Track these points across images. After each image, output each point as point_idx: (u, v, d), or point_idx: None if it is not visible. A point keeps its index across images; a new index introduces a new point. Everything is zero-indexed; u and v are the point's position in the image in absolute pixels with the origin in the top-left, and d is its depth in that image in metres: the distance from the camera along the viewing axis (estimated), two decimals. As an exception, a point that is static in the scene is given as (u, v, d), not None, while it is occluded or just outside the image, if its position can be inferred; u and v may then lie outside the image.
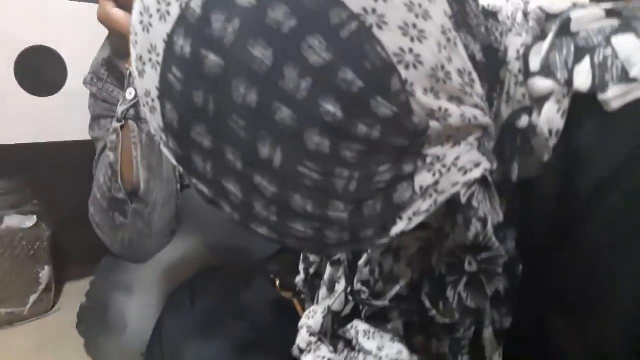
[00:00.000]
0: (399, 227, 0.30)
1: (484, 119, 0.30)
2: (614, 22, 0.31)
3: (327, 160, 0.26)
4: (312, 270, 0.55)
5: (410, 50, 0.25)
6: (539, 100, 0.31)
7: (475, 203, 0.32)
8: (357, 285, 0.45)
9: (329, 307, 0.49)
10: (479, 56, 0.30)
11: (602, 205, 0.29)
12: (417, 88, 0.26)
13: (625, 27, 0.30)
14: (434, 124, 0.27)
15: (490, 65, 0.32)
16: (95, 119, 0.88)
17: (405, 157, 0.28)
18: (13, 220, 1.07)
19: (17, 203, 1.09)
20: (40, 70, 1.18)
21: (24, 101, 1.17)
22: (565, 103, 0.30)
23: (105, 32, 0.81)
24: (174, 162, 0.30)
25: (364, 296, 0.44)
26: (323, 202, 0.28)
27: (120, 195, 0.76)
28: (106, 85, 0.86)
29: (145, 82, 0.28)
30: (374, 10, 0.24)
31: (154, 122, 0.29)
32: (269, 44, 0.24)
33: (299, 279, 0.57)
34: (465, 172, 0.30)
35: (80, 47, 1.07)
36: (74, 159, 1.05)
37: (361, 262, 0.45)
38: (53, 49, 1.17)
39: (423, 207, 0.30)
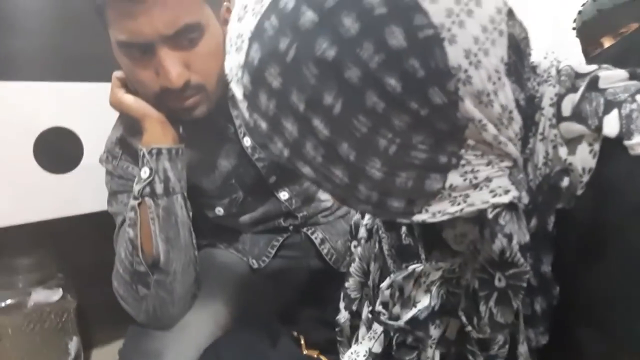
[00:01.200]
0: (423, 216, 0.35)
1: (514, 150, 0.35)
2: (637, 83, 0.36)
3: (378, 119, 0.31)
4: (354, 307, 0.57)
5: (465, 71, 0.31)
6: (570, 142, 0.36)
7: (502, 221, 0.36)
8: (378, 307, 0.48)
9: (369, 350, 0.52)
10: (522, 103, 0.36)
11: (630, 234, 0.33)
12: (466, 98, 0.32)
13: None
14: (472, 127, 0.33)
15: (528, 109, 0.38)
16: (112, 195, 0.92)
17: (443, 147, 0.33)
18: (40, 296, 1.10)
19: (43, 278, 1.13)
20: (58, 149, 1.24)
21: (43, 179, 1.23)
22: (597, 146, 0.35)
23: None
24: (239, 96, 0.35)
25: (383, 317, 0.47)
26: (365, 154, 0.32)
27: (141, 268, 0.79)
28: (121, 163, 0.90)
29: (241, 25, 0.34)
30: (449, 29, 0.31)
31: (235, 60, 0.34)
32: (359, 18, 0.30)
33: (343, 317, 0.59)
34: (495, 195, 0.35)
35: (95, 124, 1.12)
36: (93, 229, 1.10)
37: (384, 284, 0.48)
38: (69, 129, 1.24)
39: (450, 209, 0.35)
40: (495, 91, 0.33)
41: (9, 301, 1.07)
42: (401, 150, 0.32)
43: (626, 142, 0.33)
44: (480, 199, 0.35)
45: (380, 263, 0.54)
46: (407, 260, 0.48)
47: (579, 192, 0.35)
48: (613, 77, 0.37)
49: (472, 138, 0.33)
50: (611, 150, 0.34)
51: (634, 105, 0.34)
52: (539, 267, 0.39)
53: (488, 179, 0.35)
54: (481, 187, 0.35)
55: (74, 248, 1.24)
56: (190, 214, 0.83)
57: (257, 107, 0.34)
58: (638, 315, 0.33)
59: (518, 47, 0.35)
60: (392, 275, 0.47)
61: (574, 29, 1.11)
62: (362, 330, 0.55)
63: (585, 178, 0.35)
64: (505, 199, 0.35)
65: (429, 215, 0.35)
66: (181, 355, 0.79)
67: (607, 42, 1.04)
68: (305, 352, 0.76)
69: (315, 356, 0.74)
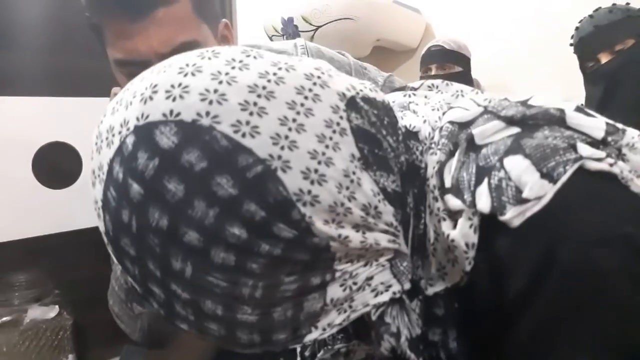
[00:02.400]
0: (313, 335, 0.34)
1: (390, 244, 0.33)
2: (512, 133, 0.34)
3: (232, 272, 0.30)
4: (307, 353, 0.57)
5: (309, 192, 0.30)
6: (452, 215, 0.34)
7: (388, 319, 0.35)
8: None
9: None
10: (393, 186, 0.34)
11: (528, 308, 0.31)
12: (316, 220, 0.30)
13: (516, 146, 0.33)
14: (335, 245, 0.31)
15: (414, 182, 0.36)
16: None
17: (312, 270, 0.32)
18: (36, 313, 1.09)
19: (39, 295, 1.12)
20: (56, 164, 1.24)
21: (41, 195, 1.23)
22: (476, 220, 0.33)
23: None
24: (115, 261, 0.35)
25: None
26: (231, 306, 0.31)
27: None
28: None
29: (95, 191, 0.33)
30: (279, 157, 0.29)
31: (100, 226, 0.34)
32: (181, 180, 0.29)
33: None
34: (377, 294, 0.34)
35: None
36: (91, 246, 1.09)
37: (316, 359, 0.48)
38: (68, 144, 1.24)
39: (337, 320, 0.34)
40: (350, 196, 0.31)
41: (4, 318, 1.06)
42: (268, 291, 0.31)
43: (500, 218, 0.31)
44: (361, 302, 0.33)
45: None
46: (341, 332, 0.47)
47: (467, 268, 0.33)
48: (488, 131, 0.35)
49: (340, 251, 0.31)
50: (491, 223, 0.32)
51: (502, 173, 0.32)
52: (447, 343, 0.37)
53: (369, 278, 0.33)
54: (363, 287, 0.33)
55: (71, 265, 1.23)
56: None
57: (127, 271, 0.33)
58: None
59: (370, 135, 0.33)
60: (321, 353, 0.47)
61: (571, 44, 1.11)
62: None
63: (471, 254, 0.33)
64: (386, 296, 0.33)
65: (319, 332, 0.34)
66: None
67: (603, 58, 1.05)
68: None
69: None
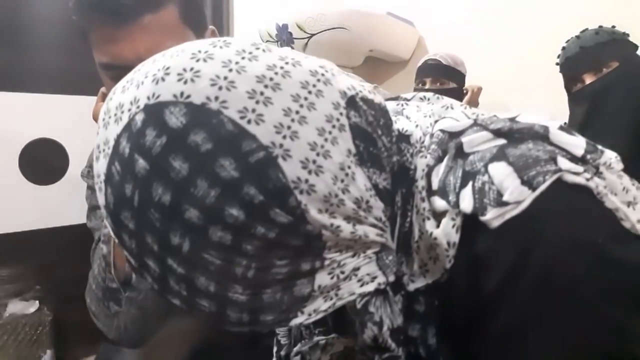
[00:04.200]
0: (299, 319, 0.35)
1: (378, 237, 0.35)
2: (499, 144, 0.36)
3: (227, 251, 0.31)
4: (282, 353, 0.58)
5: (306, 181, 0.31)
6: (437, 215, 0.36)
7: (372, 308, 0.36)
8: None
9: None
10: (384, 184, 0.36)
11: (502, 303, 0.33)
12: (311, 208, 0.31)
13: (500, 154, 0.35)
14: (326, 234, 0.33)
15: (403, 182, 0.38)
16: (91, 210, 0.92)
17: (303, 256, 0.33)
18: (16, 307, 1.09)
19: (20, 290, 1.12)
20: (43, 161, 1.25)
21: (27, 190, 1.23)
22: (458, 220, 0.35)
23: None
24: (112, 234, 0.36)
25: None
26: (224, 284, 0.32)
27: (113, 285, 0.79)
28: (102, 178, 0.90)
29: (98, 166, 0.34)
30: (281, 145, 0.31)
31: (100, 199, 0.35)
32: (187, 159, 0.30)
33: None
34: (362, 284, 0.35)
35: (81, 136, 1.13)
36: (74, 242, 1.09)
37: (293, 352, 0.49)
38: (55, 140, 1.24)
39: (323, 306, 0.35)
40: (344, 189, 0.33)
41: (-17, 311, 1.07)
42: (260, 272, 0.32)
43: (481, 218, 0.33)
44: (348, 291, 0.35)
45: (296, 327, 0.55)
46: (319, 327, 0.49)
47: (447, 265, 0.35)
48: (476, 140, 0.37)
49: (331, 240, 0.33)
50: (472, 224, 0.34)
51: (486, 177, 0.34)
52: (426, 339, 0.39)
53: (355, 269, 0.35)
54: (350, 277, 0.35)
55: (54, 262, 1.23)
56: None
57: (124, 245, 0.34)
58: None
59: (366, 133, 0.35)
60: (299, 344, 0.49)
61: (557, 64, 1.13)
62: None
63: (452, 252, 0.35)
64: (372, 286, 0.35)
65: (305, 317, 0.35)
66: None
67: (588, 79, 1.06)
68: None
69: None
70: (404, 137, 0.40)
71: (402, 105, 0.45)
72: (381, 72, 1.77)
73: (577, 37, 1.08)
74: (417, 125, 0.41)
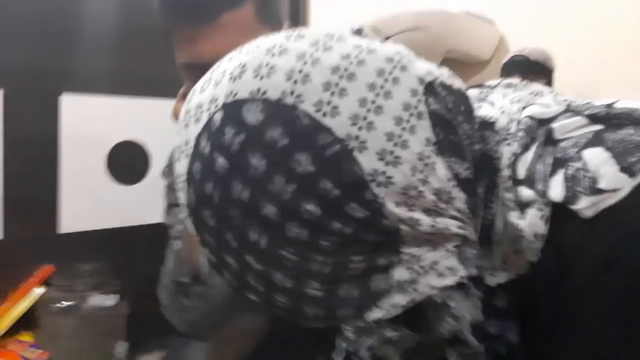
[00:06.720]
0: (376, 314, 0.34)
1: (459, 230, 0.33)
2: (594, 130, 0.34)
3: (304, 247, 0.31)
4: (351, 349, 0.57)
5: (383, 173, 0.30)
6: (522, 206, 0.35)
7: (451, 303, 0.34)
8: None
9: None
10: (466, 174, 0.34)
11: (591, 300, 0.31)
12: (388, 201, 0.31)
13: (597, 139, 0.33)
14: (404, 228, 0.31)
15: (486, 171, 0.36)
16: (168, 207, 0.95)
17: (380, 252, 0.32)
18: (96, 300, 1.15)
19: (101, 284, 1.18)
20: (127, 162, 1.31)
21: (113, 190, 1.29)
22: (547, 211, 0.33)
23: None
24: (194, 233, 0.36)
25: None
26: (301, 280, 0.32)
27: (185, 280, 0.80)
28: (178, 176, 0.93)
29: (180, 166, 0.35)
30: (357, 137, 0.30)
31: (182, 198, 0.36)
32: (264, 155, 0.30)
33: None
34: (442, 278, 0.33)
35: (162, 137, 1.18)
36: (153, 240, 1.13)
37: (364, 347, 0.47)
38: (138, 143, 1.30)
39: (401, 301, 0.34)
40: (424, 179, 0.31)
41: (67, 303, 1.12)
42: (336, 269, 0.32)
43: (572, 207, 0.31)
44: (427, 285, 0.34)
45: None
46: (389, 322, 0.48)
47: (534, 259, 0.34)
48: (569, 126, 0.35)
49: (409, 235, 0.32)
50: (562, 214, 0.32)
51: (579, 164, 0.32)
52: (505, 336, 0.37)
53: (435, 262, 0.33)
54: (429, 271, 0.33)
55: (133, 257, 1.28)
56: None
57: (205, 243, 0.35)
58: None
59: (446, 120, 0.33)
60: (370, 340, 0.48)
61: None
62: None
63: (538, 245, 0.34)
64: (452, 280, 0.34)
65: (382, 312, 0.34)
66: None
67: None
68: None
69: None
70: (488, 125, 0.38)
71: (486, 92, 0.43)
72: (459, 73, 1.71)
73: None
74: (502, 112, 0.39)
